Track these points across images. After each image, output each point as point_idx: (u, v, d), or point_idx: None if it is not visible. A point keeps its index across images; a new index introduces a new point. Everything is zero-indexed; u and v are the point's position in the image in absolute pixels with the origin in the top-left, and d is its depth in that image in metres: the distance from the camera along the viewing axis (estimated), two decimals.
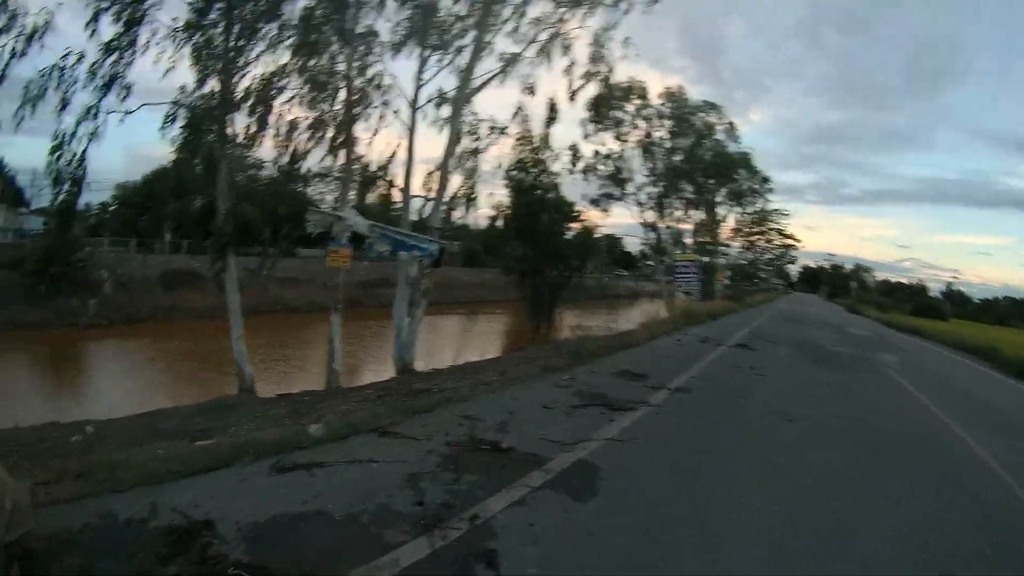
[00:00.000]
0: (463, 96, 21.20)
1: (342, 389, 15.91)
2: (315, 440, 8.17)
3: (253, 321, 27.68)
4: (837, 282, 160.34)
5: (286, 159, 18.91)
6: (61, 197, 16.04)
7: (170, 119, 17.43)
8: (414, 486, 6.89)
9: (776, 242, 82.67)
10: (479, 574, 5.20)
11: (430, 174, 22.07)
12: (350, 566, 5.13)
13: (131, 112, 16.34)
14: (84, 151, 15.41)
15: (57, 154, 15.25)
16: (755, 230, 76.43)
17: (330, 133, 19.17)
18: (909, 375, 21.42)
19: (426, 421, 9.49)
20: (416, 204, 22.14)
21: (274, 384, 21.67)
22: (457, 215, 23.99)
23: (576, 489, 7.16)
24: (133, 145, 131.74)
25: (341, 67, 19.14)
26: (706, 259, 54.66)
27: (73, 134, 15.24)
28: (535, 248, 35.82)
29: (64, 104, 15.21)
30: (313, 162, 19.32)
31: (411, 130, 20.96)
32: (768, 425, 11.27)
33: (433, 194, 21.37)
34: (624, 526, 6.33)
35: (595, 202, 44.45)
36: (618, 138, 43.98)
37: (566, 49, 23.25)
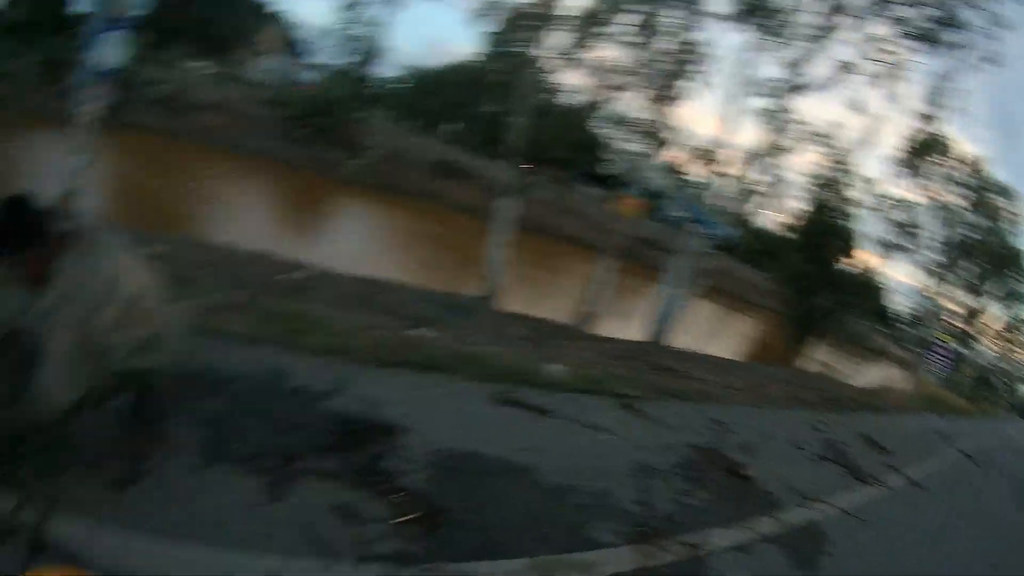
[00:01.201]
0: (787, 90, 19.73)
1: (586, 333, 15.21)
2: (546, 382, 7.18)
3: (516, 235, 27.53)
4: None
5: (597, 95, 18.50)
6: (352, 57, 16.56)
7: (483, 13, 17.47)
8: (642, 481, 5.84)
9: None
10: None
11: (735, 160, 21.21)
12: (537, 548, 4.18)
13: None
14: (379, 18, 15.70)
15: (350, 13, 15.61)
16: (1014, 338, 71.84)
17: (644, 84, 18.28)
18: None
19: (673, 409, 8.38)
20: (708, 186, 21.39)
21: (516, 302, 21.22)
22: (749, 208, 23.30)
23: (802, 557, 5.96)
24: (430, 35, 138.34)
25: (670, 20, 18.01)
26: (962, 350, 51.51)
27: None
28: (817, 269, 34.49)
29: None
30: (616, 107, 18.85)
31: (728, 108, 19.66)
32: None
33: (737, 179, 20.33)
34: None
35: (879, 244, 41.92)
36: (916, 189, 41.47)
37: (904, 82, 21.34)
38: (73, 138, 9.29)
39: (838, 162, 30.20)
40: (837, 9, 18.74)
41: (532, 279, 30.17)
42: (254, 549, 3.39)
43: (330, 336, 6.05)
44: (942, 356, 39.26)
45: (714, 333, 38.26)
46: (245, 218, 24.87)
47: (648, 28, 17.38)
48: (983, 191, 40.53)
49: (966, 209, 40.33)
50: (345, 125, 40.96)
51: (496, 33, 17.94)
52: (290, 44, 67.10)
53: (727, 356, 18.85)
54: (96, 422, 3.42)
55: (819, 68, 19.78)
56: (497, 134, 19.02)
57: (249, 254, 11.23)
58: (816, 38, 18.65)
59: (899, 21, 18.92)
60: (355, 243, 26.91)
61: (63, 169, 9.19)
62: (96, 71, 8.75)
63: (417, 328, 7.95)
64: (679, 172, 22.75)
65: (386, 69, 66.19)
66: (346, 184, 38.65)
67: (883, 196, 39.46)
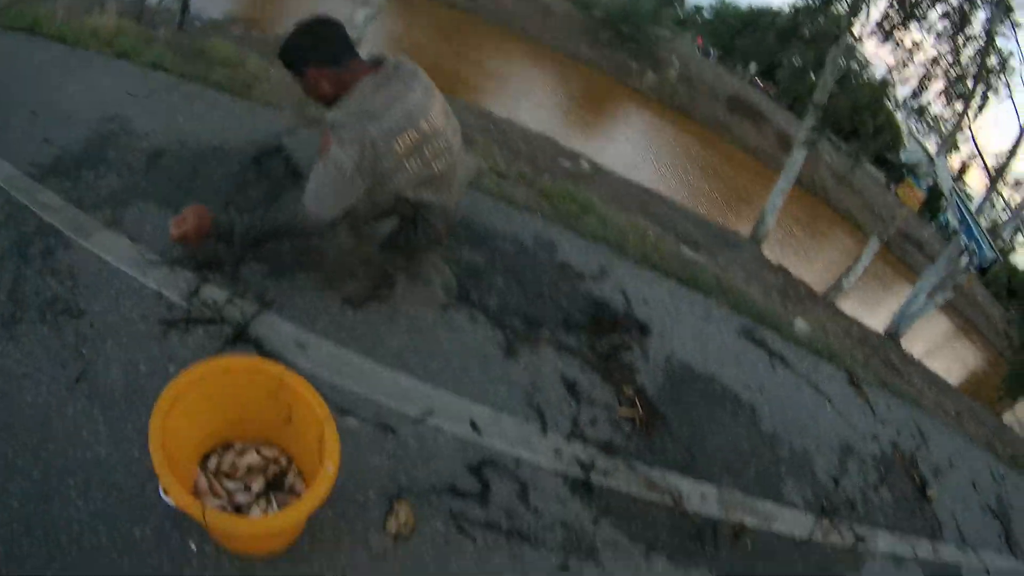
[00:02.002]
0: None
1: (834, 306, 15.11)
2: (793, 336, 7.21)
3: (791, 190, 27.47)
4: None
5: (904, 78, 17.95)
6: None
7: None
8: (843, 458, 5.74)
9: None
10: None
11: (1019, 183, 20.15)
12: (730, 482, 4.26)
13: None
14: None
15: None
16: None
17: (948, 78, 17.52)
18: None
19: (891, 403, 8.11)
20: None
21: (777, 251, 21.09)
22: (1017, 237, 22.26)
23: None
24: None
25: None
26: None
27: None
28: None
29: None
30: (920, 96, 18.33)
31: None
32: None
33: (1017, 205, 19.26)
34: None
35: None
36: None
37: None
38: None
39: None
40: None
41: (796, 236, 29.86)
42: (469, 396, 3.51)
43: (605, 226, 6.15)
44: None
45: (939, 349, 36.97)
46: (533, 102, 25.40)
47: (958, 17, 16.64)
48: None
49: None
50: (649, 39, 41.07)
51: None
52: None
53: (942, 374, 18.19)
54: (355, 241, 3.64)
55: None
56: (797, 87, 18.84)
57: (533, 134, 11.44)
58: None
59: None
60: (638, 153, 27.19)
61: (348, 20, 9.59)
62: None
63: (686, 248, 8.07)
64: (964, 180, 21.85)
65: None
66: (640, 95, 39.02)
67: None
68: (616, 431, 3.92)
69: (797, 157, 17.32)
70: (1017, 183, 19.69)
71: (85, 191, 3.87)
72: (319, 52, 3.29)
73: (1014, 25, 16.80)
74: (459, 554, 2.84)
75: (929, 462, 7.78)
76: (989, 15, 16.70)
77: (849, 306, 21.03)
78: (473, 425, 3.35)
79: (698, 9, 71.27)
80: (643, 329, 4.89)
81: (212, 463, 2.57)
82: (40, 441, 2.56)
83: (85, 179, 3.96)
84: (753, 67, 56.55)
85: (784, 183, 17.32)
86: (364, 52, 3.48)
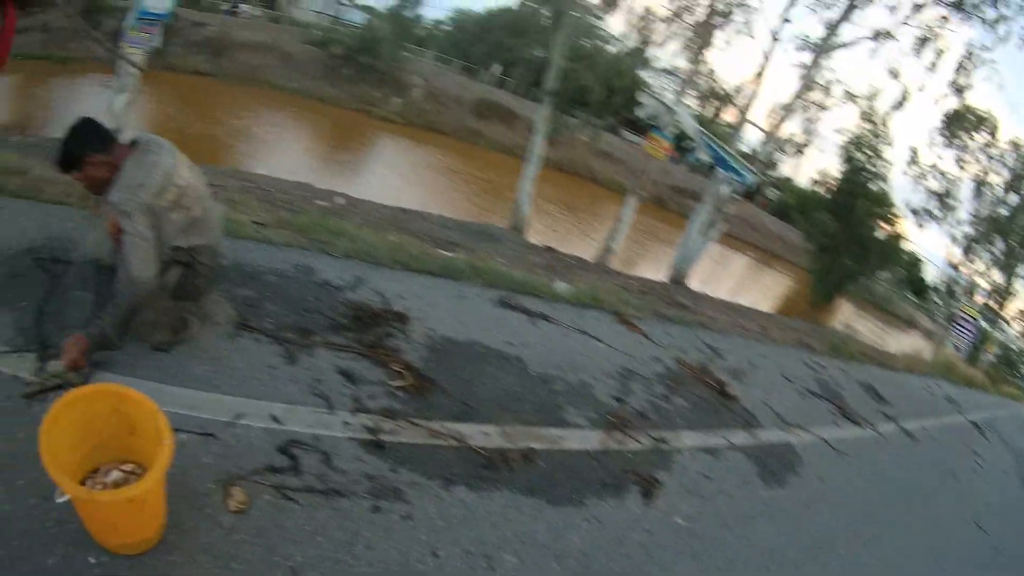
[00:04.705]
0: (824, 48, 19.86)
1: (608, 269, 15.53)
2: (555, 296, 7.96)
3: (553, 175, 27.59)
4: None
5: (636, 39, 18.65)
6: None
7: None
8: (624, 381, 6.54)
9: None
10: (626, 493, 4.90)
11: (772, 111, 21.45)
12: (510, 421, 4.97)
13: None
14: None
15: None
16: None
17: (682, 31, 18.46)
18: None
19: (670, 331, 9.01)
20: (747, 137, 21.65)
21: (545, 236, 21.59)
22: (779, 159, 23.51)
23: (769, 470, 6.51)
24: None
25: None
26: (986, 325, 50.94)
27: None
28: (844, 229, 34.46)
29: None
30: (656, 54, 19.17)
31: (765, 60, 19.86)
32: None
33: (768, 129, 20.47)
34: (790, 538, 5.56)
35: (915, 212, 41.62)
36: (958, 162, 40.83)
37: (937, 52, 21.42)
38: (117, 79, 10.01)
39: (873, 124, 30.31)
40: None
41: (561, 218, 30.62)
42: (266, 398, 4.09)
43: (356, 243, 6.74)
44: (966, 330, 38.41)
45: (739, 283, 38.41)
46: (287, 153, 25.57)
47: None
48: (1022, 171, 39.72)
49: (1004, 187, 39.59)
50: (390, 64, 41.51)
51: None
52: None
53: (747, 305, 19.03)
54: (152, 296, 4.02)
55: (858, 30, 19.92)
56: (540, 78, 19.42)
57: (289, 183, 11.87)
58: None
59: None
60: (392, 178, 27.55)
61: (107, 109, 9.89)
62: (144, 15, 9.38)
63: (441, 248, 8.62)
64: (710, 117, 22.94)
65: (433, 11, 66.41)
66: (388, 122, 39.31)
67: (918, 162, 39.18)
68: (394, 399, 4.61)
69: (536, 144, 17.67)
70: (771, 112, 21.06)
71: None
72: (92, 144, 3.80)
73: None
74: (289, 515, 3.40)
75: (726, 369, 8.62)
76: None
77: (636, 268, 21.95)
78: (274, 418, 3.95)
79: (437, 23, 71.62)
80: (401, 317, 5.60)
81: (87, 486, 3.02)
82: None
83: None
84: (497, 69, 57.75)
85: (530, 170, 17.78)
86: (127, 134, 4.02)
